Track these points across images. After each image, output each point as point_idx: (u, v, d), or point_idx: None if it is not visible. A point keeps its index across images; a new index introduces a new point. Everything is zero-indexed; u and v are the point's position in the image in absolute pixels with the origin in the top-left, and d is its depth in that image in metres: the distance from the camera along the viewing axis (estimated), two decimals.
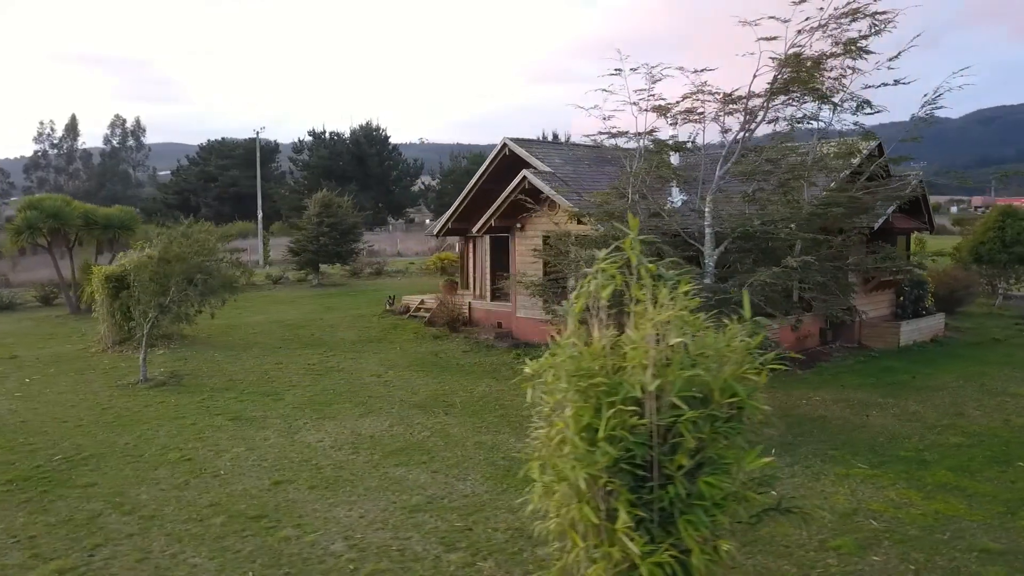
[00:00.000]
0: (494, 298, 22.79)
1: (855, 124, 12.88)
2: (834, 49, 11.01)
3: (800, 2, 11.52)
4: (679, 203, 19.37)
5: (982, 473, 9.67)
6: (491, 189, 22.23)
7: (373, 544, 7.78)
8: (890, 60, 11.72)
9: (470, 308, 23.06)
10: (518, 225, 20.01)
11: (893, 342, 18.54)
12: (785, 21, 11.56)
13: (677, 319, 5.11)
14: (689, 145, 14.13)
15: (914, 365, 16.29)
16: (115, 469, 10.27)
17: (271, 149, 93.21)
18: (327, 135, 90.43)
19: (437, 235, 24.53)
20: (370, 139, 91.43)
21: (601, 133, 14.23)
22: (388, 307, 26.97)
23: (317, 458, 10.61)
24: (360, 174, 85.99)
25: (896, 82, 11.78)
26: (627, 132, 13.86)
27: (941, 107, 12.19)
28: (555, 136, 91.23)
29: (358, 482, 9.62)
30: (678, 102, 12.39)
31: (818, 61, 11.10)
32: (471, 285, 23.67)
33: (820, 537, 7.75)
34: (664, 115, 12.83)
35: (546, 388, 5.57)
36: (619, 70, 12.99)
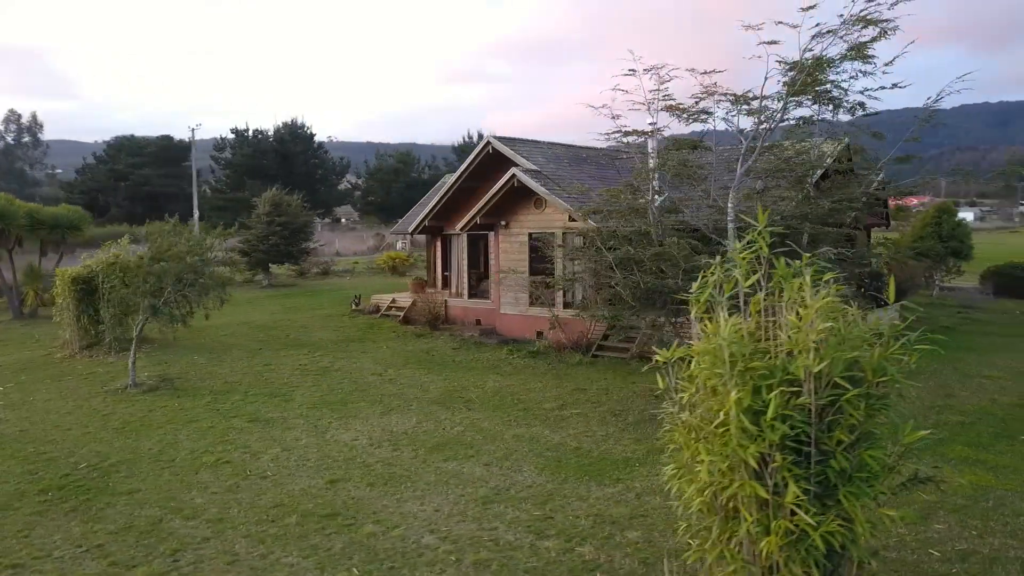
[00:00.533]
0: (471, 295, 22.87)
1: (852, 125, 13.62)
2: (846, 53, 11.67)
3: (808, 8, 12.20)
4: (658, 201, 20.01)
5: (994, 447, 10.51)
6: (467, 187, 22.34)
7: (462, 536, 7.84)
8: (886, 65, 12.51)
9: (446, 306, 23.06)
10: (503, 223, 20.16)
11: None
12: (795, 27, 12.20)
13: (827, 305, 5.45)
14: (705, 144, 14.56)
15: None
16: (152, 475, 9.91)
17: (183, 147, 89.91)
18: (250, 133, 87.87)
19: (412, 233, 24.38)
20: (295, 137, 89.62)
21: (615, 132, 14.53)
22: (355, 307, 26.63)
23: (361, 456, 10.52)
24: (285, 172, 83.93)
25: (894, 85, 12.57)
26: (642, 131, 14.23)
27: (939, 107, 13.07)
28: (480, 135, 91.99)
29: (415, 478, 9.62)
30: (697, 102, 12.85)
31: (829, 64, 11.75)
32: (449, 283, 23.68)
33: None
34: (679, 115, 13.27)
35: (694, 373, 5.78)
36: (633, 70, 13.39)
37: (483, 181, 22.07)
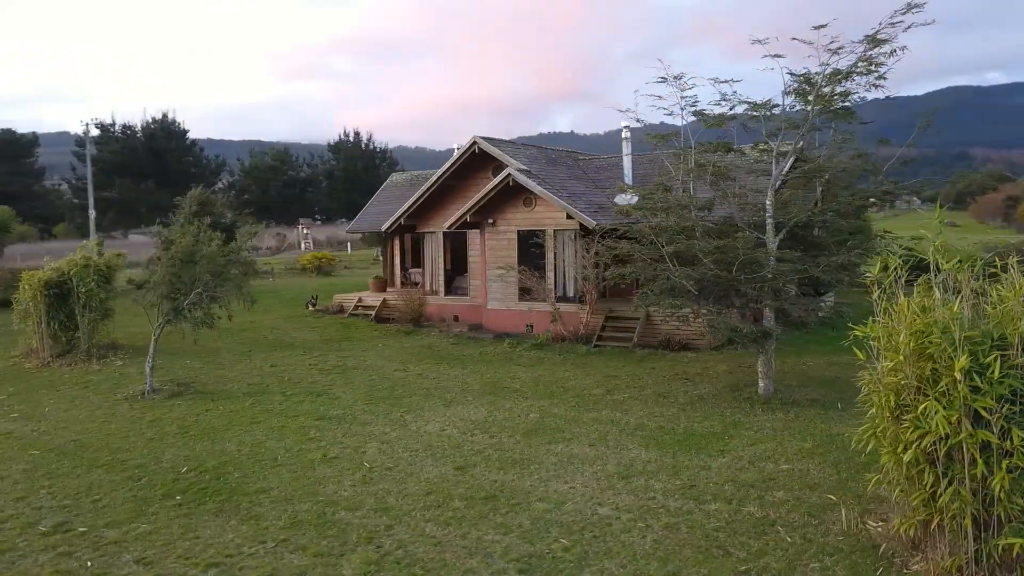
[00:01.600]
0: (448, 293, 23.17)
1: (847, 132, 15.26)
2: (858, 67, 13.17)
3: (820, 27, 13.65)
4: (633, 200, 21.25)
5: None
6: (445, 186, 22.67)
7: (631, 505, 8.48)
8: (877, 79, 14.14)
9: (421, 303, 23.20)
10: (490, 221, 20.66)
11: (813, 316, 21.73)
12: (810, 43, 13.61)
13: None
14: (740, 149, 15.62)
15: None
16: (269, 474, 9.80)
17: (28, 142, 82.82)
18: (117, 128, 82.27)
19: (385, 231, 24.25)
20: (167, 133, 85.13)
21: (650, 135, 15.46)
22: (311, 307, 26.15)
23: (464, 444, 10.85)
24: (158, 171, 79.60)
25: (887, 97, 14.25)
26: (667, 135, 15.24)
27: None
28: (356, 133, 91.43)
29: (536, 461, 10.11)
30: (732, 108, 13.99)
31: (847, 76, 13.23)
32: (423, 281, 23.81)
33: None
34: (707, 121, 14.38)
35: (901, 343, 6.75)
36: (664, 78, 14.40)
37: (461, 181, 22.51)
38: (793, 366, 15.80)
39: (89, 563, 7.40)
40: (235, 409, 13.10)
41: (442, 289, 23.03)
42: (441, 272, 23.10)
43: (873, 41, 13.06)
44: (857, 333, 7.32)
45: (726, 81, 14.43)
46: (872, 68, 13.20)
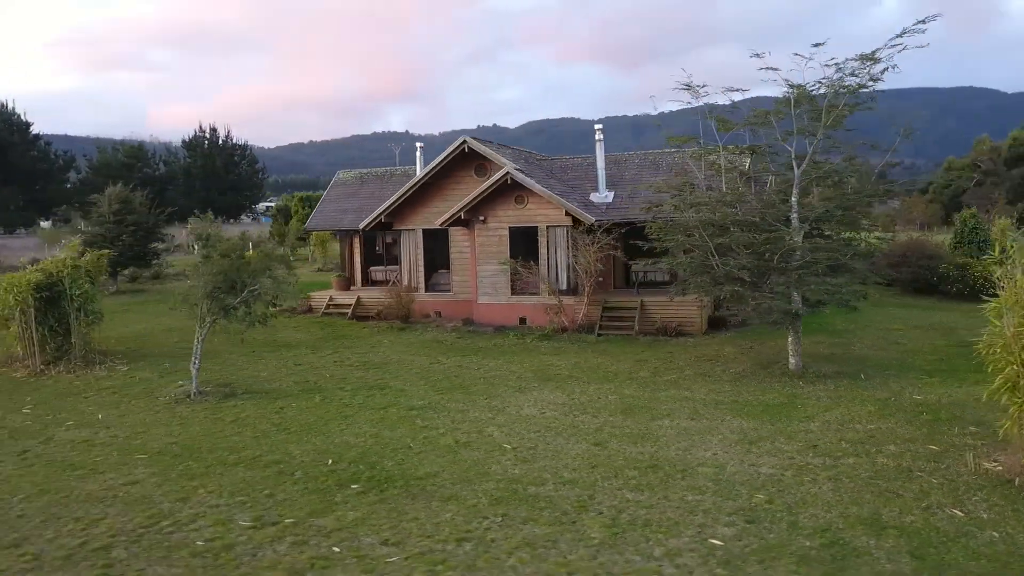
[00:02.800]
0: (428, 290, 23.41)
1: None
2: (858, 85, 14.99)
3: (818, 45, 15.45)
4: (610, 198, 22.61)
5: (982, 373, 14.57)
6: (424, 184, 22.91)
7: (784, 464, 9.56)
8: (872, 81, 16.03)
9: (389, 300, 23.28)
10: (480, 218, 21.17)
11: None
12: (809, 58, 15.34)
13: None
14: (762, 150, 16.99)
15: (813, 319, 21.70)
16: (421, 459, 10.03)
17: None
18: None
19: (363, 230, 23.97)
20: (8, 126, 77.85)
21: (672, 137, 16.65)
22: (273, 307, 25.34)
23: (580, 423, 11.53)
24: (1, 166, 72.83)
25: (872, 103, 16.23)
26: (693, 137, 16.51)
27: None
28: (213, 128, 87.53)
29: (658, 434, 10.98)
30: (754, 114, 15.45)
31: (851, 91, 15.06)
32: (399, 279, 23.83)
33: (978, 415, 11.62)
34: (724, 124, 15.80)
35: None
36: (688, 85, 15.70)
37: (442, 179, 22.85)
38: (784, 346, 17.60)
39: (335, 549, 7.51)
40: (309, 406, 12.98)
41: (422, 286, 23.24)
42: (421, 269, 23.29)
43: (871, 59, 14.96)
44: (993, 303, 8.82)
45: (736, 90, 16.05)
46: (870, 83, 15.09)
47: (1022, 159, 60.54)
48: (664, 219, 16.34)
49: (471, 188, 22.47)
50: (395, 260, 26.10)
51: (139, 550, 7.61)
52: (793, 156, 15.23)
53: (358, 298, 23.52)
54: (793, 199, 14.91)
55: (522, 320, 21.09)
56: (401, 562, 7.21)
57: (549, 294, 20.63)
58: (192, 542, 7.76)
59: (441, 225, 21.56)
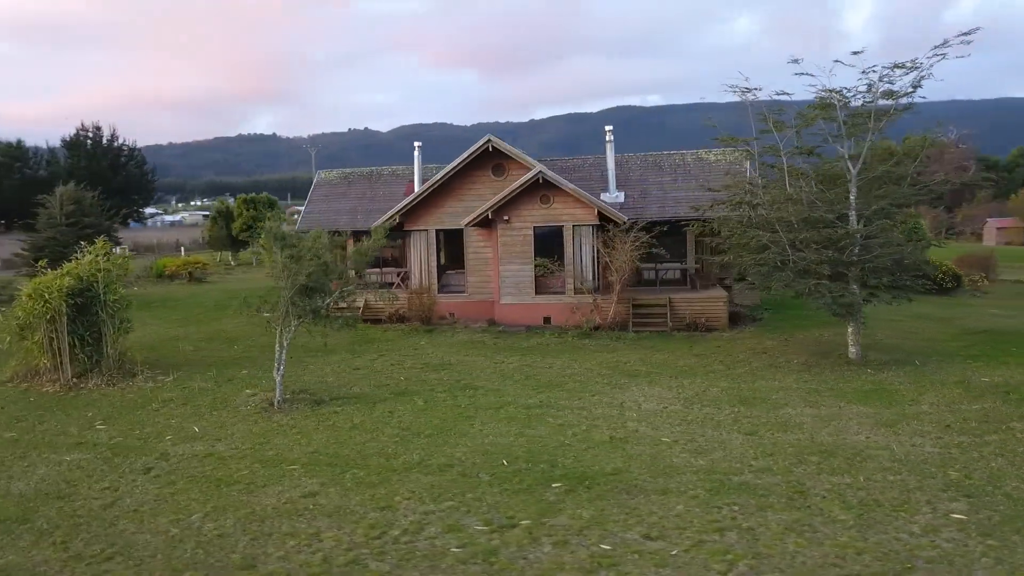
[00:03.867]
0: (441, 291, 22.99)
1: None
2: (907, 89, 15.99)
3: (857, 53, 16.39)
4: (621, 198, 23.09)
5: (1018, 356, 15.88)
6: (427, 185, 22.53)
7: (931, 443, 10.14)
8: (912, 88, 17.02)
9: (410, 302, 22.77)
10: (505, 218, 21.02)
11: (755, 299, 25.06)
12: (852, 66, 16.26)
13: None
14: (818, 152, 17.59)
15: (815, 315, 22.87)
16: (594, 456, 9.94)
17: None
18: None
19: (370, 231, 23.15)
20: None
21: (720, 138, 17.12)
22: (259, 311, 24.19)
23: (707, 416, 11.73)
24: None
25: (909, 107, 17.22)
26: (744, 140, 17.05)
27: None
28: (97, 127, 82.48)
29: (795, 423, 11.34)
30: (810, 117, 16.14)
31: (896, 96, 16.03)
32: (409, 280, 23.26)
33: None
34: (778, 128, 16.46)
35: None
36: (748, 88, 16.28)
37: (451, 179, 22.53)
38: (817, 337, 18.52)
39: (604, 546, 7.37)
40: (417, 409, 12.56)
41: (435, 287, 22.79)
42: (435, 270, 22.84)
43: (912, 67, 15.97)
44: None
45: (781, 94, 16.81)
46: (911, 90, 16.11)
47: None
48: (736, 217, 16.74)
49: (487, 188, 22.31)
50: (395, 262, 25.49)
51: (396, 561, 7.21)
52: (847, 156, 16.02)
53: (365, 301, 22.80)
54: (852, 197, 15.71)
55: (546, 320, 21.09)
56: (685, 554, 7.17)
57: (576, 293, 20.74)
58: (444, 549, 7.42)
59: (466, 225, 21.26)
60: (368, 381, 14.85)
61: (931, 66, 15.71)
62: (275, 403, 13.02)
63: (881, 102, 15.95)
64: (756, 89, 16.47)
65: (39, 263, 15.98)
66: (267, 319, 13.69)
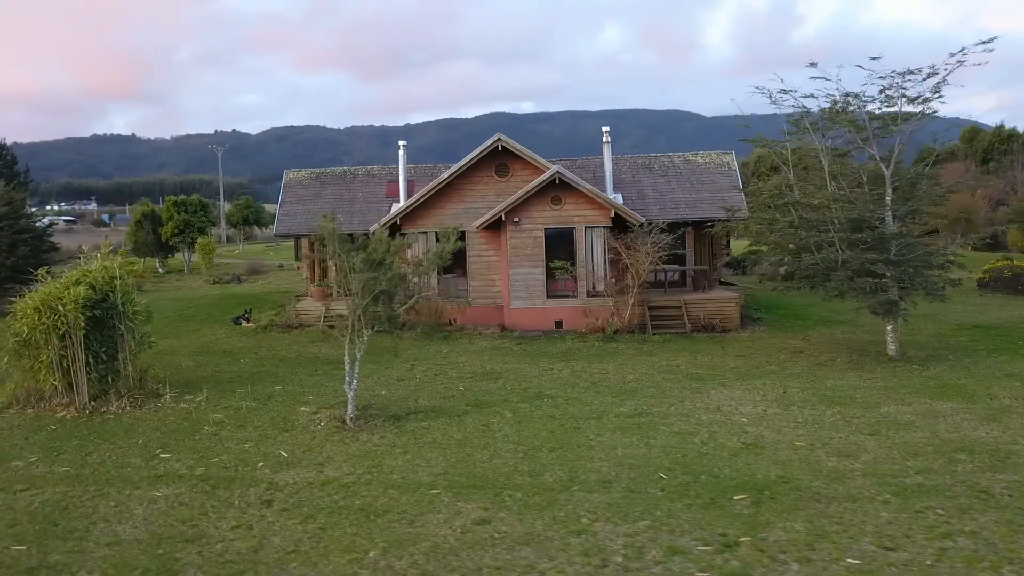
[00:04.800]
0: (440, 296, 22.03)
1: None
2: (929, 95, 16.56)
3: (875, 59, 16.93)
4: (619, 200, 23.07)
5: None
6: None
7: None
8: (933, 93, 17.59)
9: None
10: (516, 219, 20.39)
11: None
12: (871, 69, 16.73)
13: None
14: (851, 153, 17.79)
15: (805, 314, 23.49)
16: (752, 465, 9.59)
17: None
18: None
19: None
20: None
21: (749, 139, 17.17)
22: (245, 322, 22.56)
23: (812, 417, 11.65)
24: None
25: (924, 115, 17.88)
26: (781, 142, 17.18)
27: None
28: None
29: (905, 421, 11.42)
30: (840, 119, 16.43)
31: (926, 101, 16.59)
32: None
33: None
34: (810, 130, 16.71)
35: None
36: (784, 91, 16.47)
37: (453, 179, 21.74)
38: (832, 335, 19.00)
39: (852, 560, 7.02)
40: (515, 421, 11.84)
41: (435, 291, 21.81)
42: (436, 275, 21.87)
43: (931, 73, 16.61)
44: None
45: (808, 96, 17.15)
46: (932, 96, 16.72)
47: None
48: (768, 219, 16.84)
49: (490, 189, 21.62)
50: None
51: None
52: (879, 158, 16.46)
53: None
54: (888, 197, 16.13)
55: (557, 324, 20.63)
56: (940, 564, 6.92)
57: (589, 296, 20.40)
58: (691, 574, 6.85)
59: (477, 228, 20.47)
60: (425, 393, 13.93)
61: (949, 72, 16.36)
62: (348, 420, 11.94)
63: (905, 108, 16.51)
64: (792, 91, 16.69)
65: (38, 271, 14.02)
66: (332, 332, 12.54)
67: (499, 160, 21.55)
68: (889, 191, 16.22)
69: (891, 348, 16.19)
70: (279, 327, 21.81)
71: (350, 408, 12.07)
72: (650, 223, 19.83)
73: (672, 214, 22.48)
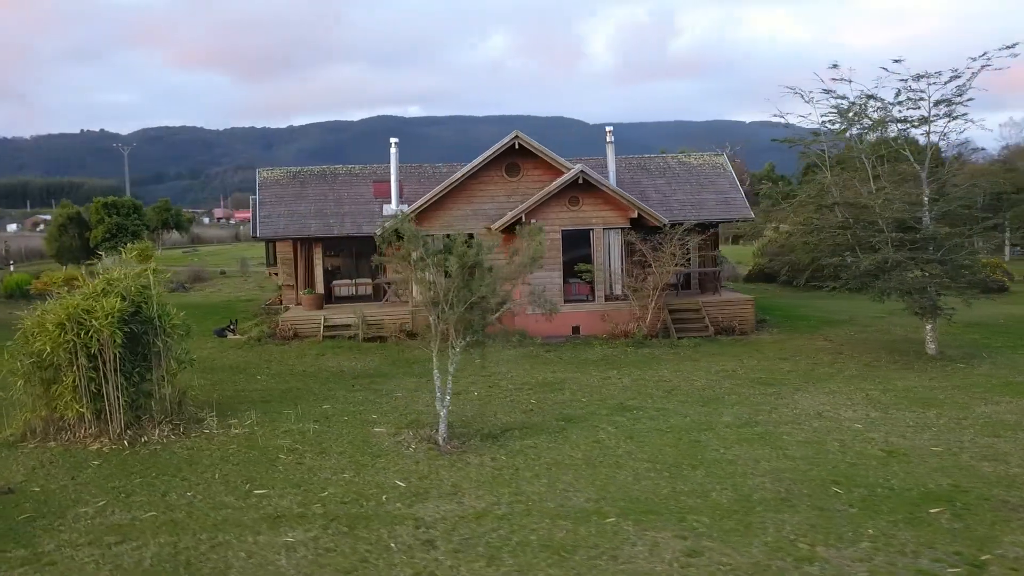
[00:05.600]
0: None
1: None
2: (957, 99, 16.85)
3: (897, 61, 17.19)
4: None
5: None
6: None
7: None
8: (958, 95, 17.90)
9: (413, 315, 20.53)
10: (532, 221, 19.53)
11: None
12: (897, 74, 17.00)
13: None
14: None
15: (796, 315, 23.75)
16: (908, 475, 9.23)
17: None
18: None
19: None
20: None
21: (791, 139, 17.06)
22: (231, 334, 20.75)
23: (918, 421, 11.50)
24: None
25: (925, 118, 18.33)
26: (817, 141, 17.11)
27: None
28: None
29: (1011, 423, 11.42)
30: (877, 122, 16.52)
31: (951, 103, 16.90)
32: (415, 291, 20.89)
33: None
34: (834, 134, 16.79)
35: None
36: (827, 90, 16.44)
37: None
38: (847, 336, 19.21)
39: None
40: (625, 436, 11.10)
41: None
42: (443, 279, 20.71)
43: (954, 75, 17.01)
44: None
45: (842, 98, 17.25)
46: (958, 98, 17.06)
47: None
48: (806, 219, 16.74)
49: (500, 189, 20.75)
50: (370, 272, 22.92)
51: None
52: (913, 160, 16.68)
53: (363, 316, 20.22)
54: (925, 198, 16.34)
55: (575, 329, 19.96)
56: None
57: (607, 300, 19.85)
58: None
59: (496, 229, 19.49)
60: (498, 408, 12.99)
61: (973, 76, 16.72)
62: (441, 441, 10.86)
63: (934, 111, 16.81)
64: (831, 92, 16.69)
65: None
66: (409, 342, 11.39)
67: (509, 159, 20.68)
68: (927, 191, 16.45)
69: (930, 347, 16.41)
70: (274, 339, 20.14)
71: (442, 427, 10.99)
72: (679, 224, 19.46)
73: (679, 215, 22.21)
